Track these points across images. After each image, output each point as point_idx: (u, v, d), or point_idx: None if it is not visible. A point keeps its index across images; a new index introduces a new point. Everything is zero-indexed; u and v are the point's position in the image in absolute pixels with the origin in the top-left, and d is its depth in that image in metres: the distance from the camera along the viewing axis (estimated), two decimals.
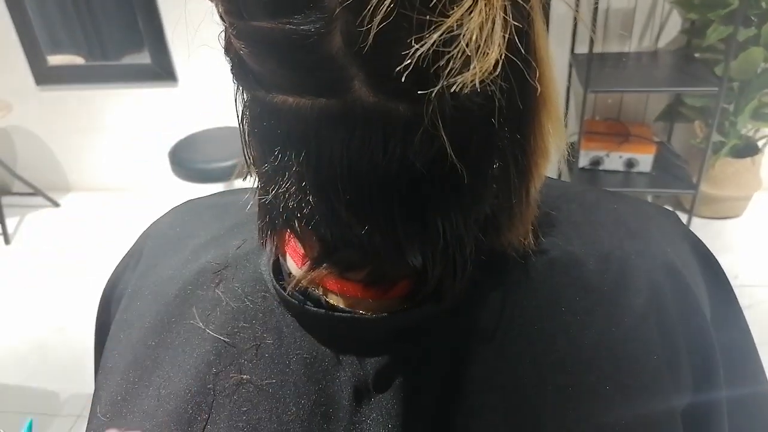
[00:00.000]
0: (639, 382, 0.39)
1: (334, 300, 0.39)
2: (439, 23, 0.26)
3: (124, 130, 2.91)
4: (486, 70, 0.27)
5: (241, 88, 0.35)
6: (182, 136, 2.47)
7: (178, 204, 0.54)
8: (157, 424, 0.40)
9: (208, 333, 0.41)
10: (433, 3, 0.26)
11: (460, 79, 0.27)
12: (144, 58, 2.71)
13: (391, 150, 0.31)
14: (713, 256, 0.49)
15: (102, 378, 0.46)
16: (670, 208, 2.40)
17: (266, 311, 0.41)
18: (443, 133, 0.30)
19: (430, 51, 0.26)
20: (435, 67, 0.27)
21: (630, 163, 2.27)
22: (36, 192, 2.90)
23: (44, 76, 2.81)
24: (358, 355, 0.39)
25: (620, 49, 2.33)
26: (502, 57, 0.27)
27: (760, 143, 2.37)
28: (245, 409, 0.39)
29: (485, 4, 0.26)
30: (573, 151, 2.24)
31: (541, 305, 0.39)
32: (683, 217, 2.31)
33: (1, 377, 1.96)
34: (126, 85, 2.78)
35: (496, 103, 0.30)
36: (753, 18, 2.08)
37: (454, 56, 0.26)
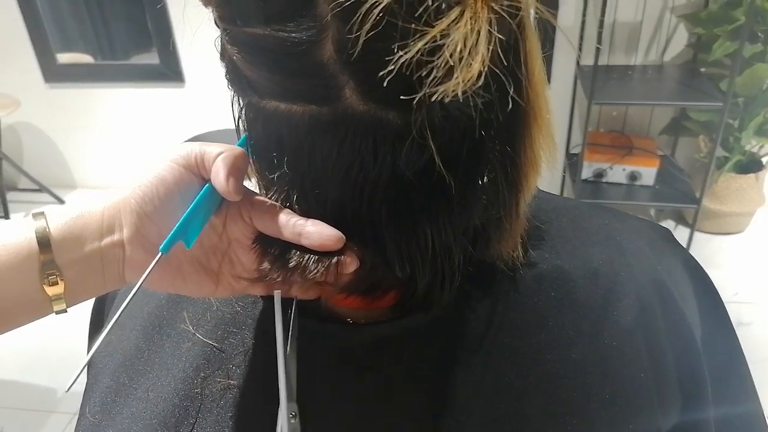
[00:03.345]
0: (625, 399, 0.39)
1: (324, 307, 0.40)
2: (425, 32, 0.26)
3: (130, 130, 2.93)
4: (469, 80, 0.27)
5: (235, 93, 0.35)
6: (188, 137, 2.48)
7: None
8: (145, 427, 0.40)
9: (198, 337, 0.42)
10: (419, 13, 0.26)
11: (442, 88, 0.27)
12: (152, 58, 2.72)
13: (381, 158, 0.31)
14: (706, 274, 0.49)
15: (92, 378, 0.46)
16: (673, 222, 2.37)
17: (256, 317, 0.42)
18: (432, 143, 0.30)
19: (414, 59, 0.26)
20: (418, 75, 0.27)
21: (633, 176, 2.27)
22: (41, 189, 2.92)
23: (53, 73, 2.83)
24: (346, 363, 0.39)
25: (626, 62, 2.33)
26: (485, 68, 0.27)
27: (764, 159, 2.36)
28: (231, 414, 0.39)
29: (471, 17, 0.26)
30: (576, 162, 2.24)
31: (529, 319, 0.39)
32: (685, 232, 2.31)
33: (6, 375, 1.97)
34: (134, 84, 2.79)
35: (482, 115, 0.31)
36: (759, 34, 2.08)
37: (438, 65, 0.27)
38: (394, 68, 0.27)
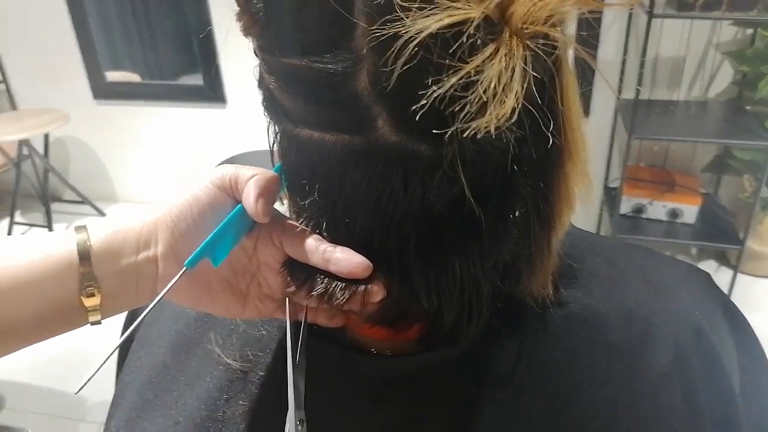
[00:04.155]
0: None
1: (350, 336, 0.39)
2: (459, 68, 0.26)
3: (172, 148, 3.01)
4: (502, 117, 0.27)
5: (271, 120, 0.36)
6: (228, 156, 2.53)
7: None
8: None
9: (223, 358, 0.42)
10: (453, 49, 0.26)
11: (474, 124, 0.27)
12: (197, 79, 2.81)
13: (412, 189, 0.31)
14: (746, 321, 0.47)
15: (118, 393, 0.46)
16: (715, 263, 2.29)
17: (280, 341, 0.42)
18: (463, 176, 0.30)
19: (448, 94, 0.27)
20: (451, 110, 0.27)
21: (674, 213, 2.21)
22: (84, 201, 3.01)
23: (101, 90, 2.94)
24: (368, 394, 0.38)
25: (668, 97, 2.30)
26: (519, 105, 0.27)
27: None
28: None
29: (506, 54, 0.26)
30: (614, 196, 2.20)
31: (558, 359, 0.38)
32: (728, 274, 2.23)
33: (33, 379, 2.01)
34: (178, 104, 2.88)
35: (515, 150, 0.31)
36: None
37: (471, 101, 0.27)
38: (426, 102, 0.27)
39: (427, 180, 0.31)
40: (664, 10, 1.92)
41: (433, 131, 0.28)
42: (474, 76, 0.26)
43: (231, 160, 2.52)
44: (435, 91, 0.26)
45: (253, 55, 0.33)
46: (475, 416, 0.37)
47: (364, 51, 0.28)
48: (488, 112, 0.27)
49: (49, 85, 2.96)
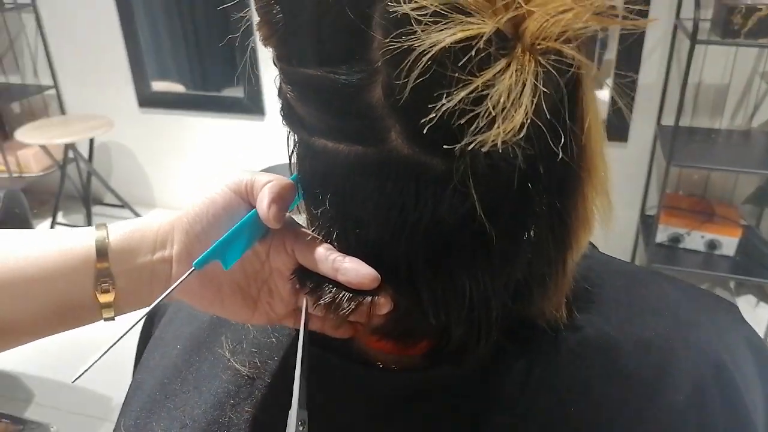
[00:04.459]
0: None
1: (356, 347, 0.39)
2: (470, 82, 0.26)
3: (211, 156, 3.07)
4: (510, 132, 0.27)
5: (289, 130, 0.36)
6: (264, 166, 2.57)
7: None
8: None
9: (232, 363, 0.42)
10: (462, 63, 0.26)
11: (481, 137, 0.27)
12: (238, 92, 2.87)
13: (423, 203, 0.31)
14: None
15: (131, 392, 0.47)
16: (754, 298, 2.20)
17: (288, 349, 0.42)
18: (474, 192, 0.30)
19: (458, 108, 0.26)
20: (461, 124, 0.27)
21: (712, 245, 2.15)
22: (124, 205, 3.09)
23: (147, 99, 3.03)
24: (372, 409, 0.38)
25: (710, 124, 2.24)
26: (528, 121, 0.27)
27: None
28: None
29: (517, 69, 0.26)
30: (651, 224, 2.15)
31: (569, 386, 0.37)
32: (767, 310, 2.15)
33: (60, 375, 2.06)
34: (218, 115, 2.94)
35: (527, 167, 0.30)
36: None
37: (480, 115, 0.26)
38: (436, 116, 0.27)
39: (439, 194, 0.30)
40: (708, 36, 1.88)
41: (444, 146, 0.28)
42: (485, 90, 0.26)
43: (267, 170, 2.56)
44: (445, 104, 0.26)
45: (272, 64, 0.34)
46: None
47: (380, 63, 0.28)
48: (495, 126, 0.26)
49: (97, 92, 3.07)
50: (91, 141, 3.02)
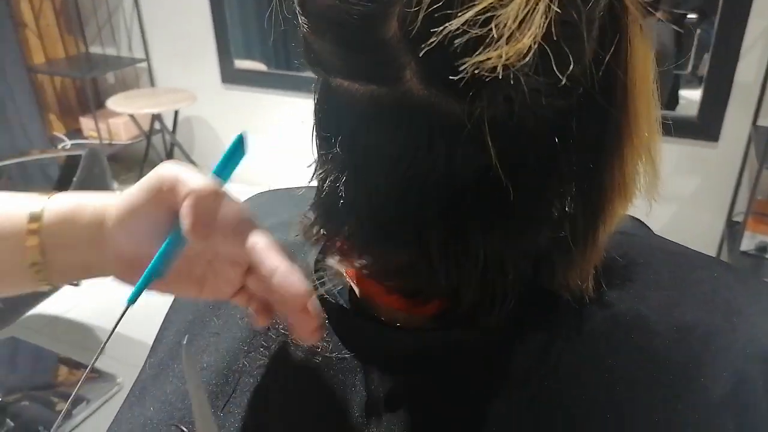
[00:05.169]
0: None
1: (369, 304, 0.38)
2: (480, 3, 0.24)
3: (290, 134, 3.14)
4: (513, 54, 0.24)
5: (309, 70, 0.35)
6: None
7: (256, 193, 0.56)
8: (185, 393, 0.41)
9: (246, 321, 0.42)
10: None
11: (483, 58, 0.25)
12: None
13: (437, 150, 0.29)
14: None
15: (160, 333, 0.48)
16: None
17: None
18: (489, 140, 0.28)
19: (470, 39, 0.25)
20: (468, 49, 0.25)
21: None
22: None
23: (230, 76, 3.13)
24: (379, 366, 0.37)
25: None
26: (536, 45, 0.24)
27: None
28: (263, 394, 0.39)
29: None
30: (737, 231, 2.00)
31: (591, 365, 0.34)
32: None
33: (128, 331, 2.17)
34: (298, 94, 3.00)
35: (558, 120, 0.28)
36: None
37: (488, 38, 0.24)
38: (442, 40, 0.25)
39: (453, 142, 0.29)
40: None
41: (452, 78, 0.26)
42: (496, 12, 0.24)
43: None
44: (452, 24, 0.24)
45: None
46: (488, 409, 0.34)
47: None
48: (496, 47, 0.24)
49: (183, 67, 3.20)
50: (176, 114, 3.16)
